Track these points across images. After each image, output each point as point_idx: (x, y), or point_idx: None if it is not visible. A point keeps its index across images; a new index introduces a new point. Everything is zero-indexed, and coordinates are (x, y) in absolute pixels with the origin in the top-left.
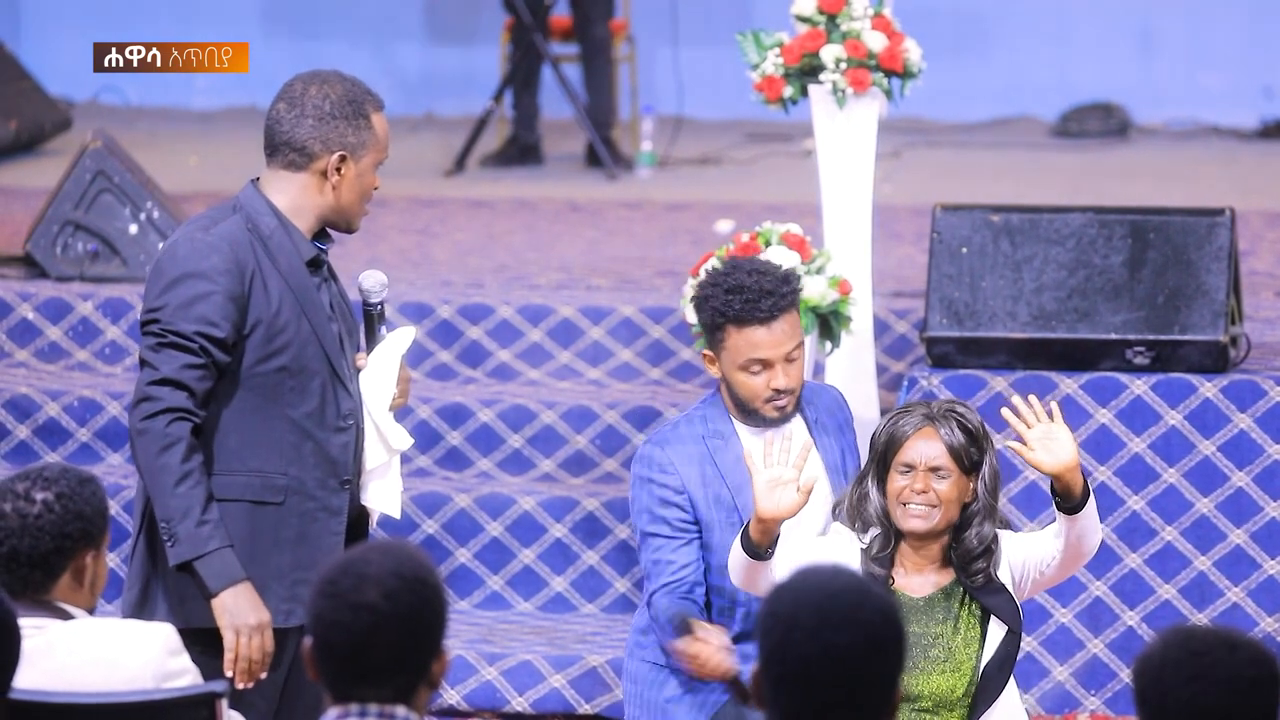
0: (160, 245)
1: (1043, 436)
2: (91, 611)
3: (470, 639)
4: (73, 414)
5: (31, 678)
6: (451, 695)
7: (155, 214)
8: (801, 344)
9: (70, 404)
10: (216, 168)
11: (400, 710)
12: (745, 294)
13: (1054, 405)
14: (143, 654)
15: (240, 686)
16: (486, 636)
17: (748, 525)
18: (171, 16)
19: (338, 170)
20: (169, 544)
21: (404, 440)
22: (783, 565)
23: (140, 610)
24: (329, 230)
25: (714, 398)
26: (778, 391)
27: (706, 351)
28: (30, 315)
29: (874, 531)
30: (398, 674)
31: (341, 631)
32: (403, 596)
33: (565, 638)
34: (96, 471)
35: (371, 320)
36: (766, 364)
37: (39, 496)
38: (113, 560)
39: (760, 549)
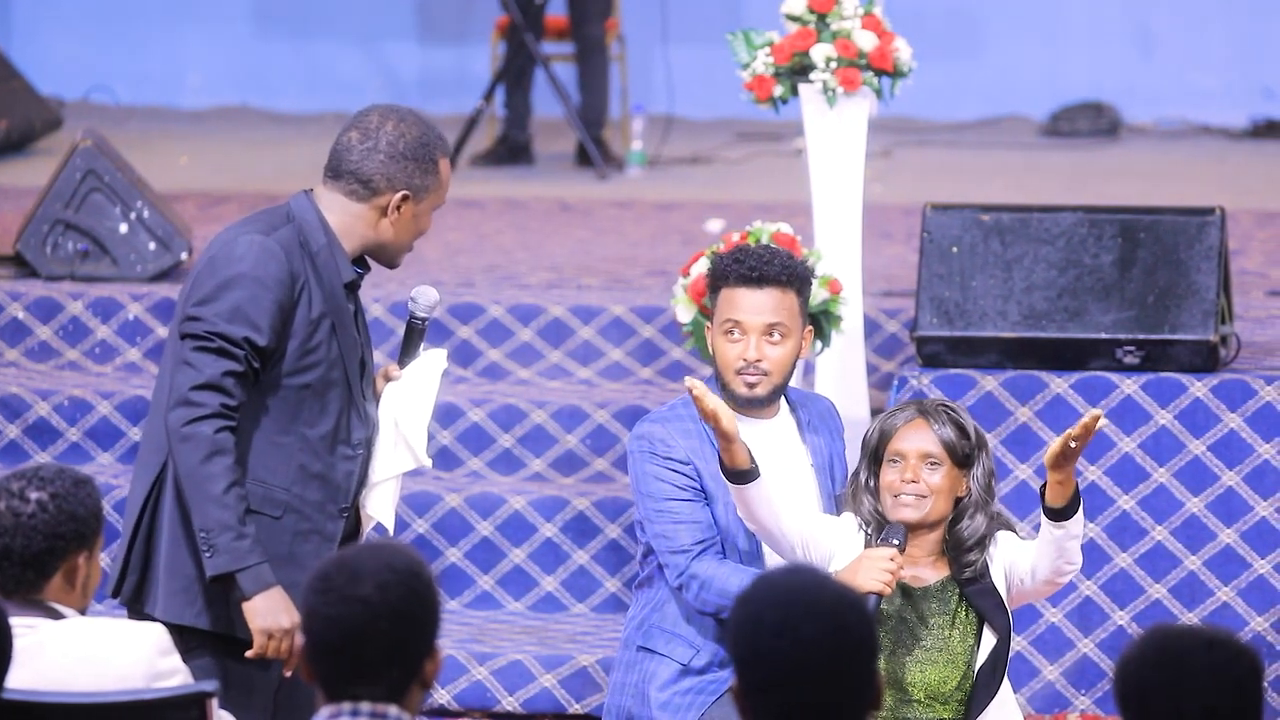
0: (147, 244)
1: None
2: (83, 612)
3: (460, 639)
4: (63, 413)
5: (23, 677)
6: (442, 695)
7: (146, 213)
8: (788, 330)
9: (60, 403)
10: (207, 167)
11: (393, 710)
12: (745, 257)
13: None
14: (133, 654)
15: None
16: (477, 636)
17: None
18: (163, 16)
19: (398, 209)
20: (207, 554)
21: (427, 459)
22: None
23: (134, 602)
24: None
25: (709, 382)
26: (747, 363)
27: (709, 324)
28: (20, 314)
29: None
30: (390, 670)
31: (334, 626)
32: (396, 591)
33: (555, 637)
34: (87, 471)
35: (413, 334)
36: (742, 329)
37: (33, 496)
38: (105, 561)
39: (736, 473)
